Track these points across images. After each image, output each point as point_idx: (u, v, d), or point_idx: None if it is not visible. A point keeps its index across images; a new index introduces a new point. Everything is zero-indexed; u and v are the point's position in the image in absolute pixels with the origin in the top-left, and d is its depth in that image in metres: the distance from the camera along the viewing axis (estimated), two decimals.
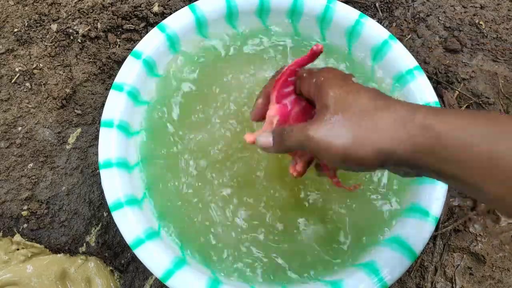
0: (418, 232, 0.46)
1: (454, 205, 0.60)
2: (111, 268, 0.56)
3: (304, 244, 0.49)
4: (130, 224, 0.45)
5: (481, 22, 0.72)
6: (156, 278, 0.54)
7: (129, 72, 0.52)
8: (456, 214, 0.60)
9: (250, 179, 0.51)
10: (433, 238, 0.59)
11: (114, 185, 0.47)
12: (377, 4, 0.73)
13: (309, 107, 0.42)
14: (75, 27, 0.66)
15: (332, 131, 0.33)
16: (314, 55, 0.40)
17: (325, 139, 0.33)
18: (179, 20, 0.56)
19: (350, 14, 0.57)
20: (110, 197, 0.46)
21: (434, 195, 0.47)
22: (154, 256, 0.44)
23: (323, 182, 0.52)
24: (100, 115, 0.63)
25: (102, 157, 0.48)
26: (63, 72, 0.64)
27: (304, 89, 0.39)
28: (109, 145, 0.48)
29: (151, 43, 0.54)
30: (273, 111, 0.41)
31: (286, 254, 0.49)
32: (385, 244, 0.47)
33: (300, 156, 0.43)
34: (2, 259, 0.57)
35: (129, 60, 0.52)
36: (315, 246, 0.49)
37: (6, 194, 0.58)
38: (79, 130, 0.62)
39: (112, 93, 0.51)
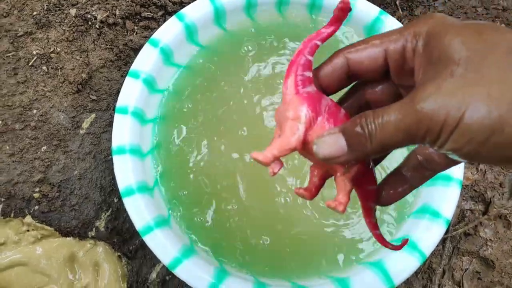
0: (428, 233, 0.45)
1: (465, 208, 0.60)
2: (119, 254, 0.57)
3: (314, 240, 0.49)
4: (140, 211, 0.45)
5: (502, 25, 0.71)
6: (163, 266, 0.54)
7: (146, 60, 0.52)
8: (467, 218, 0.59)
9: (263, 171, 0.51)
10: (443, 240, 0.59)
11: (126, 172, 0.47)
12: (397, 2, 0.72)
13: (337, 109, 0.28)
14: (93, 13, 0.66)
15: (466, 91, 0.20)
16: (342, 14, 0.28)
17: (455, 105, 0.20)
18: (198, 10, 0.55)
19: (370, 10, 0.56)
20: (122, 183, 0.46)
21: (447, 197, 0.47)
22: (163, 244, 0.44)
23: None
24: (115, 102, 0.63)
25: (115, 143, 0.48)
26: (80, 57, 0.65)
27: (393, 47, 0.26)
28: (123, 131, 0.49)
29: (169, 31, 0.54)
30: (296, 102, 0.27)
31: (294, 248, 0.49)
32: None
33: (342, 174, 0.28)
34: (12, 240, 0.58)
35: (146, 47, 0.52)
36: (325, 242, 0.49)
37: (19, 175, 0.59)
38: (93, 115, 0.62)
39: (128, 80, 0.51)
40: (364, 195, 0.29)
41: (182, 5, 0.67)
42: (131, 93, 0.50)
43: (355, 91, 0.30)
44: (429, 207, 0.48)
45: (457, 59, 0.21)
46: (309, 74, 0.28)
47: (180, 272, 0.43)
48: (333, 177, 0.29)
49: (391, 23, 0.55)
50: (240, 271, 0.46)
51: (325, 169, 0.29)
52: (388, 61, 0.27)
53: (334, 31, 0.29)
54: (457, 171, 0.48)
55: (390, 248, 0.31)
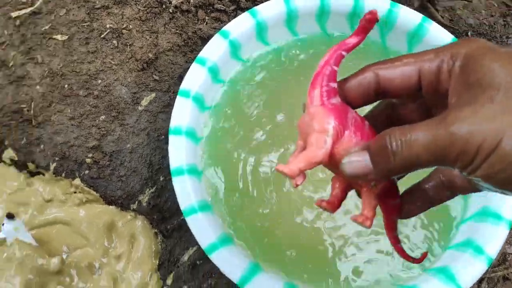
0: (469, 268, 0.44)
1: (508, 252, 0.58)
2: (156, 230, 0.58)
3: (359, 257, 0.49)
4: (187, 191, 0.47)
5: None
6: (196, 250, 0.56)
7: (215, 49, 0.53)
8: (508, 262, 0.58)
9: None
10: (480, 280, 0.57)
11: (180, 152, 0.48)
12: (469, 33, 0.71)
13: (362, 121, 0.28)
14: None
15: (505, 118, 0.20)
16: (369, 25, 0.28)
17: (493, 131, 0.20)
18: (271, 9, 0.56)
19: (442, 37, 0.55)
20: (174, 163, 0.48)
21: (494, 235, 0.46)
22: (203, 228, 0.45)
23: None
24: (176, 85, 0.65)
25: (174, 123, 0.49)
26: (150, 38, 0.67)
27: (428, 66, 0.25)
28: (182, 113, 0.50)
29: (241, 25, 0.55)
30: (321, 114, 0.27)
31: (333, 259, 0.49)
32: (432, 273, 0.46)
33: (368, 189, 0.28)
34: (59, 198, 0.60)
35: (217, 37, 0.54)
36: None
37: (75, 139, 0.61)
38: (153, 94, 0.64)
39: (194, 66, 0.52)
40: (388, 209, 0.29)
41: (255, 3, 0.68)
42: (195, 78, 0.52)
43: (385, 106, 0.30)
44: (473, 242, 0.47)
45: (497, 84, 0.21)
46: (334, 85, 0.28)
47: (216, 258, 0.44)
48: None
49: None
50: (275, 271, 0.47)
51: (348, 181, 0.29)
52: (421, 81, 0.26)
53: (360, 41, 0.29)
54: (508, 212, 0.46)
55: (411, 261, 0.31)
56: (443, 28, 0.56)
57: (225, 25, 0.64)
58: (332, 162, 0.27)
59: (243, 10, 0.68)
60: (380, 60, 0.28)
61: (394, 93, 0.27)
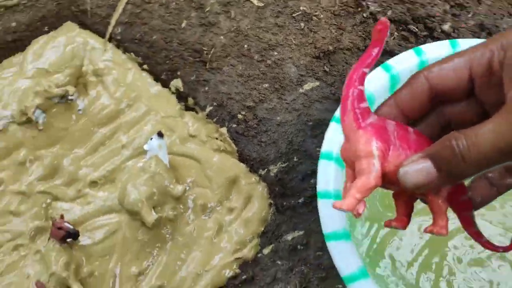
0: None
1: None
2: (271, 202, 0.60)
3: None
4: (328, 176, 0.47)
5: None
6: (301, 235, 0.56)
7: (403, 61, 0.54)
8: None
9: None
10: None
11: (334, 139, 0.49)
12: None
13: (405, 130, 0.28)
14: (368, 2, 0.70)
15: None
16: (383, 35, 0.27)
17: None
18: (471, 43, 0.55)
19: None
20: (326, 147, 0.49)
21: None
22: (331, 213, 0.46)
23: None
24: (340, 82, 0.67)
25: (338, 113, 0.51)
26: (335, 32, 0.70)
27: (478, 60, 0.25)
28: None
29: (438, 49, 0.54)
30: (362, 137, 0.26)
31: None
32: None
33: (434, 195, 0.27)
34: (201, 138, 0.65)
35: (409, 52, 0.54)
36: None
37: (236, 94, 0.66)
38: (317, 83, 0.67)
39: (378, 69, 0.53)
40: (460, 207, 0.29)
41: (449, 37, 0.67)
42: (375, 82, 0.53)
43: (433, 110, 0.29)
44: None
45: None
46: (365, 104, 0.27)
47: (333, 246, 0.44)
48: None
49: None
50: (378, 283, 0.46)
51: (410, 193, 0.28)
52: (472, 75, 0.25)
53: (378, 54, 0.27)
54: None
55: (501, 251, 0.30)
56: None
57: (411, 46, 0.64)
58: (387, 181, 0.27)
59: (433, 38, 0.68)
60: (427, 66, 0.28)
61: (448, 94, 0.27)
